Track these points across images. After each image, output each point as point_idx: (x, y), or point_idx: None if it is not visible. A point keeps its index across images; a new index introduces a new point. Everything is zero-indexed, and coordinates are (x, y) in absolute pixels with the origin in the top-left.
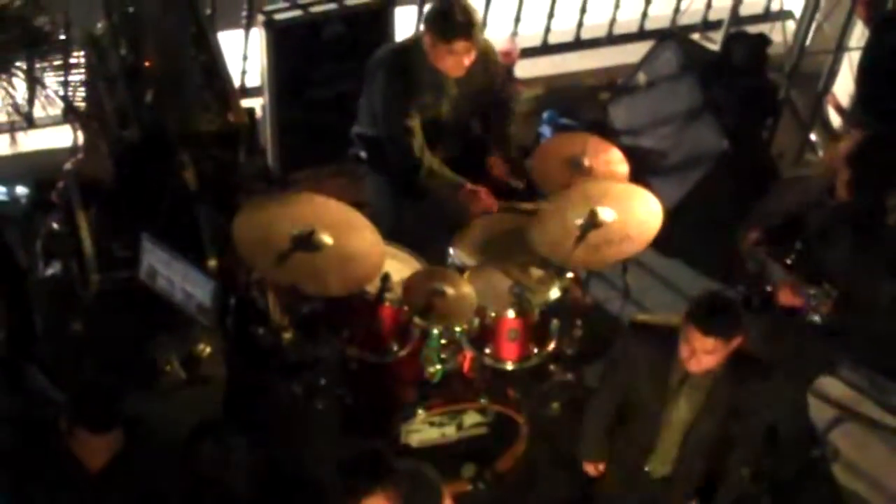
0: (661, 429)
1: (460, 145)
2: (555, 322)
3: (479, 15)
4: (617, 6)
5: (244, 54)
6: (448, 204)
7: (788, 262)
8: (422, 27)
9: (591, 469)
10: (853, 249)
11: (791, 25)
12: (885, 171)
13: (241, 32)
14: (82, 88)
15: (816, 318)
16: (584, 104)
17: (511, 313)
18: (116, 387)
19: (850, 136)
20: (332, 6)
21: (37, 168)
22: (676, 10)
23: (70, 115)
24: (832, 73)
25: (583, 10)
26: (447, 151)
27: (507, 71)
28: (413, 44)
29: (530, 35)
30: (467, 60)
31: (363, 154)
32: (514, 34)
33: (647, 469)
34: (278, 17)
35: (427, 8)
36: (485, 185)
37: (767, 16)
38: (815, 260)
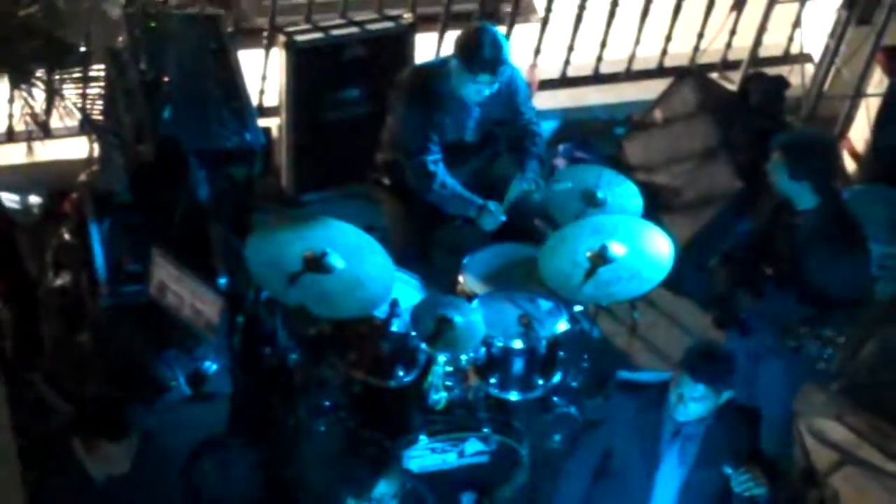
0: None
1: (487, 160)
2: (561, 354)
3: (508, 49)
4: (637, 42)
5: (263, 74)
6: (460, 231)
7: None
8: (451, 50)
9: None
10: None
11: (810, 69)
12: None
13: (261, 52)
14: (100, 101)
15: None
16: (599, 138)
17: (518, 343)
18: (120, 396)
19: None
20: (353, 30)
21: (51, 178)
22: (696, 48)
23: (87, 127)
24: (849, 119)
25: (603, 45)
26: (473, 165)
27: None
28: (440, 65)
29: (550, 67)
30: (487, 91)
31: (386, 180)
32: (534, 66)
33: None
34: (299, 38)
35: (448, 35)
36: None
37: (787, 58)
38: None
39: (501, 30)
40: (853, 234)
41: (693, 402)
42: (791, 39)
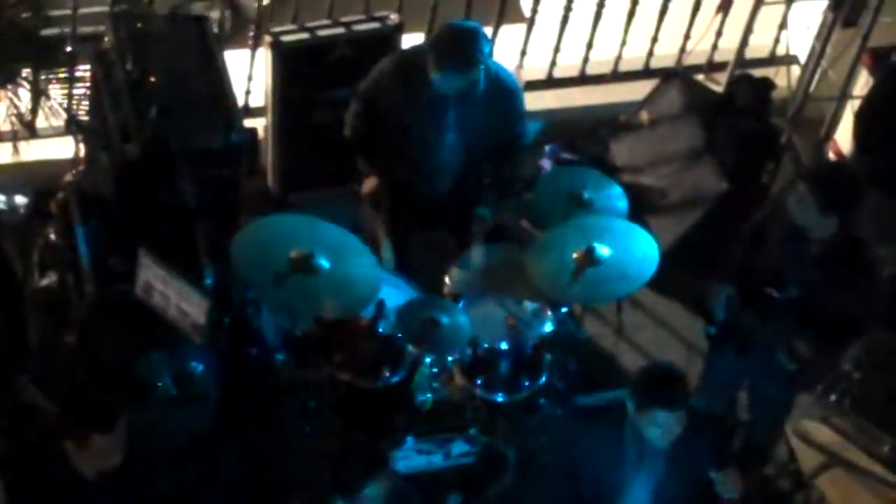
0: None
1: (468, 167)
2: (547, 356)
3: (484, 48)
4: (623, 43)
5: (249, 74)
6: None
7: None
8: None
9: None
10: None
11: (796, 70)
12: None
13: (247, 52)
14: (86, 101)
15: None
16: (586, 139)
17: (504, 345)
18: (104, 388)
19: None
20: (339, 30)
21: (37, 178)
22: (682, 49)
23: (73, 127)
24: (835, 120)
25: (589, 46)
26: (452, 167)
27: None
28: (420, 55)
29: (536, 68)
30: (458, 84)
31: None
32: (520, 66)
33: None
34: (285, 38)
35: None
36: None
37: (773, 60)
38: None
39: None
40: (867, 264)
41: (675, 425)
42: (777, 41)
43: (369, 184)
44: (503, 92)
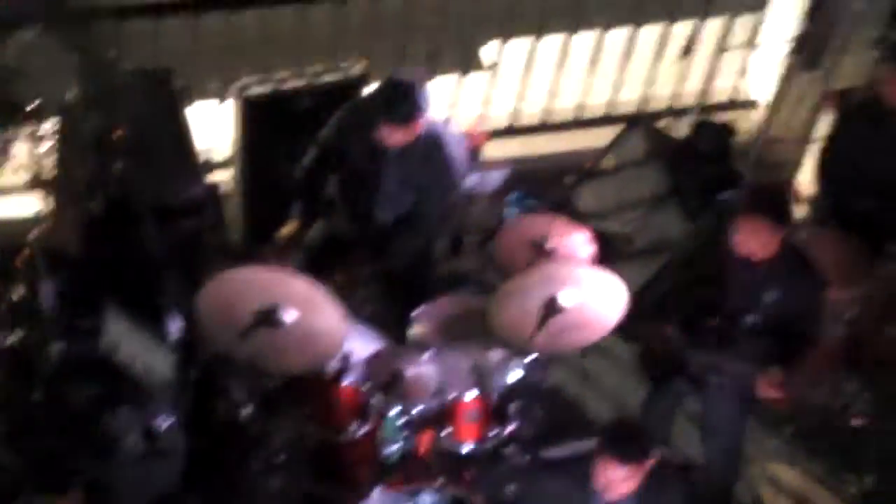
0: None
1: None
2: (513, 404)
3: (420, 106)
4: (586, 91)
5: (215, 127)
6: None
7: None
8: None
9: None
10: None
11: (758, 115)
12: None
13: (213, 104)
14: (52, 157)
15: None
16: (550, 186)
17: (470, 395)
18: (69, 448)
19: None
20: (305, 82)
21: (2, 235)
22: (644, 96)
23: (37, 183)
24: (797, 163)
25: (552, 94)
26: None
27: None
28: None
29: (499, 116)
30: (396, 139)
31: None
32: (483, 115)
33: None
34: (252, 91)
35: None
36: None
37: (735, 104)
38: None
39: (445, 80)
40: (811, 275)
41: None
42: (739, 86)
43: (288, 228)
44: (440, 149)
